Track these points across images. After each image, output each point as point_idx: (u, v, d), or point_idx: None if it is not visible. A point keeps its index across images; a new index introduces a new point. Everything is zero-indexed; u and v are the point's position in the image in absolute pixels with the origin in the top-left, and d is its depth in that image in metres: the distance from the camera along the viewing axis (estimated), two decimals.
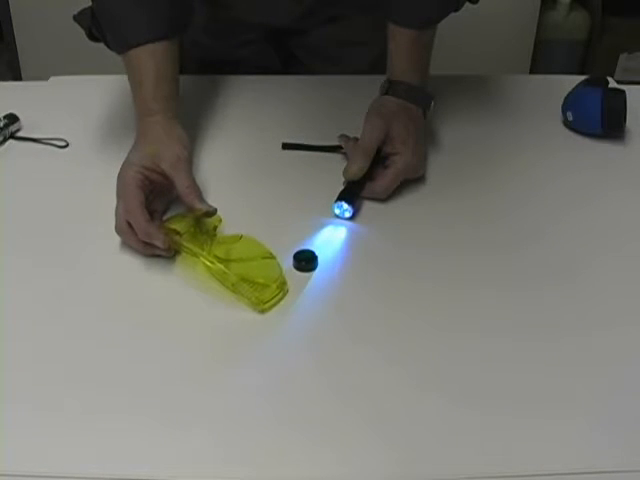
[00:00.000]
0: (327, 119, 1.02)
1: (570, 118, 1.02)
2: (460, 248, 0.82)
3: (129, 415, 0.63)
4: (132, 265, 0.78)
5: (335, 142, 0.95)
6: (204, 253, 0.76)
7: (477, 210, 0.88)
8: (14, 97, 1.08)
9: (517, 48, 2.24)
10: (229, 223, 0.81)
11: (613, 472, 0.59)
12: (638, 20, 2.28)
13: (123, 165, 0.82)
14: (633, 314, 0.74)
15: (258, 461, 0.60)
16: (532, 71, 2.25)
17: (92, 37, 0.92)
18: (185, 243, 0.78)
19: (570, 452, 0.60)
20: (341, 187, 0.87)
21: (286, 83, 1.13)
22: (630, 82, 1.18)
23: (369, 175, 0.87)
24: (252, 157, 0.96)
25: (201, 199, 0.80)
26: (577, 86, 1.02)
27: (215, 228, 0.80)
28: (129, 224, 0.77)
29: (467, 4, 0.96)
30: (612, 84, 1.05)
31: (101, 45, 0.92)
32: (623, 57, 2.35)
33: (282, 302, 0.74)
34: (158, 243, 0.76)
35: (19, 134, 1.00)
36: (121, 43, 0.89)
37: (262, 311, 0.73)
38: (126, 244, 0.79)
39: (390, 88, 0.93)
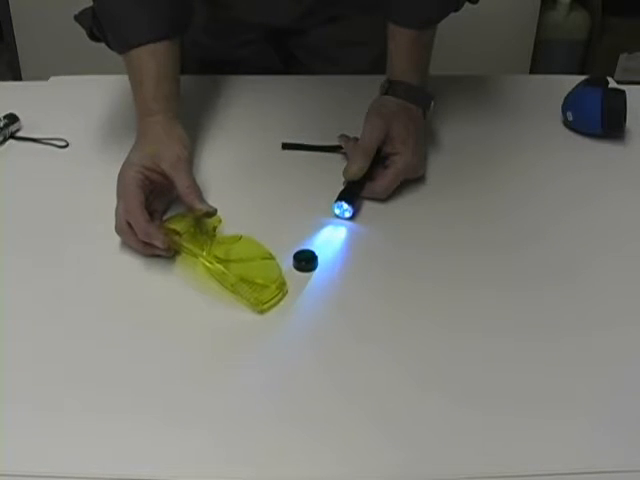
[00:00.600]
0: (327, 119, 1.02)
1: (570, 118, 1.02)
2: (460, 248, 0.82)
3: (129, 415, 0.63)
4: (132, 265, 0.78)
5: (335, 142, 0.95)
6: (204, 253, 0.76)
7: (477, 210, 0.88)
8: (14, 97, 1.07)
9: (517, 48, 2.24)
10: (229, 223, 0.81)
11: (613, 472, 0.59)
12: (638, 20, 2.28)
13: (123, 165, 0.82)
14: (633, 314, 0.74)
15: (259, 461, 0.60)
16: (532, 71, 2.25)
17: (93, 37, 0.92)
18: (185, 243, 0.78)
19: (570, 452, 0.60)
20: (341, 187, 0.87)
21: (286, 83, 1.13)
22: (630, 82, 1.18)
23: (369, 175, 0.87)
24: (252, 157, 0.96)
25: (201, 199, 0.80)
26: (577, 86, 1.02)
27: (215, 228, 0.80)
28: (129, 224, 0.77)
29: (467, 4, 0.96)
30: (612, 84, 1.05)
31: (101, 45, 0.92)
32: (623, 57, 2.35)
33: (282, 302, 0.74)
34: (158, 243, 0.76)
35: (19, 134, 1.00)
36: (122, 43, 0.89)
37: (261, 312, 0.73)
38: (126, 244, 0.79)
39: (390, 88, 0.93)
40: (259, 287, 0.73)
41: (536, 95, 1.12)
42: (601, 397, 0.65)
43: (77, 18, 0.92)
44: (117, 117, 1.03)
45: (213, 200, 0.82)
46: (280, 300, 0.74)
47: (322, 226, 0.84)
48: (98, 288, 0.76)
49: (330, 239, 0.83)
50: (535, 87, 1.15)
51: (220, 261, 0.75)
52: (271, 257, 0.76)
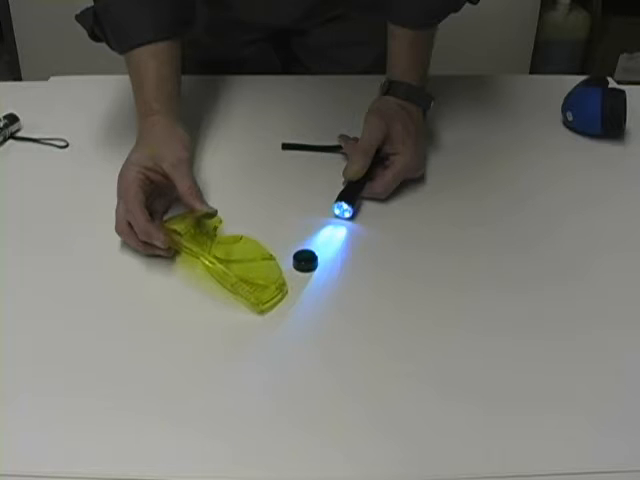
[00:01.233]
0: (327, 119, 1.02)
1: (570, 118, 1.02)
2: (460, 248, 0.82)
3: (129, 415, 0.63)
4: (132, 265, 0.78)
5: (335, 142, 0.95)
6: (204, 253, 0.76)
7: (477, 210, 0.88)
8: (14, 97, 1.07)
9: (517, 48, 2.24)
10: (229, 223, 0.81)
11: (613, 472, 0.59)
12: (638, 20, 2.28)
13: (124, 165, 0.82)
14: (634, 314, 0.74)
15: (260, 461, 0.60)
16: (532, 71, 2.25)
17: (94, 37, 0.92)
18: (185, 243, 0.78)
19: (571, 452, 0.60)
20: (341, 187, 0.87)
21: (286, 83, 1.13)
22: (630, 82, 1.18)
23: (369, 175, 0.87)
24: (252, 157, 0.96)
25: (201, 200, 0.80)
26: (577, 86, 1.02)
27: (215, 229, 0.80)
28: (129, 224, 0.77)
29: (467, 4, 0.96)
30: (612, 84, 1.05)
31: (101, 45, 0.92)
32: (623, 57, 2.35)
33: (282, 302, 0.74)
34: (158, 243, 0.76)
35: (19, 134, 1.00)
36: (123, 43, 0.89)
37: (261, 312, 0.73)
38: (126, 244, 0.79)
39: (390, 88, 0.93)
40: (259, 287, 0.73)
41: (536, 95, 1.12)
42: (602, 397, 0.65)
43: (78, 18, 0.92)
44: (117, 117, 1.03)
45: (213, 200, 0.82)
46: (280, 300, 0.74)
47: (322, 226, 0.84)
48: (98, 288, 0.76)
49: (330, 239, 0.83)
50: (535, 87, 1.15)
51: (220, 261, 0.75)
52: (271, 257, 0.76)
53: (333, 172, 0.89)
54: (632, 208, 0.89)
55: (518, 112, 1.07)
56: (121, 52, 0.90)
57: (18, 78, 2.19)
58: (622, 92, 0.99)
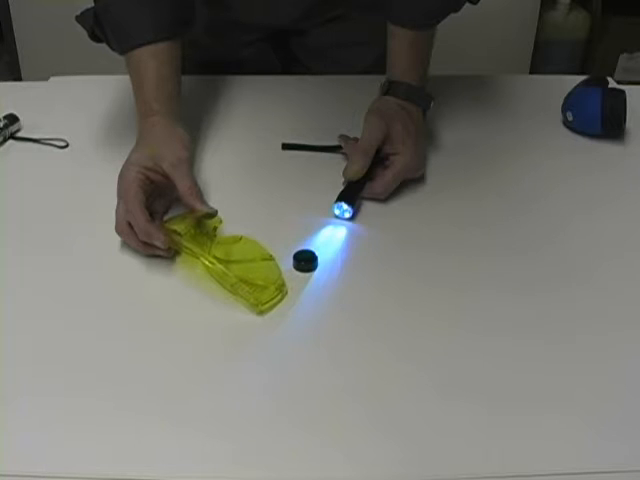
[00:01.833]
0: (327, 119, 1.02)
1: (570, 118, 1.02)
2: (460, 248, 0.82)
3: (129, 415, 0.63)
4: (132, 265, 0.78)
5: (335, 142, 0.95)
6: (204, 254, 0.76)
7: (477, 210, 0.88)
8: (14, 97, 1.07)
9: (517, 48, 2.24)
10: (229, 223, 0.81)
11: (613, 472, 0.59)
12: (638, 20, 2.28)
13: (124, 165, 0.82)
14: (633, 313, 0.74)
15: (260, 461, 0.60)
16: (532, 71, 2.25)
17: (94, 37, 0.92)
18: (185, 243, 0.78)
19: (572, 452, 0.60)
20: (341, 187, 0.87)
21: (286, 83, 1.13)
22: (630, 82, 1.18)
23: (369, 175, 0.87)
24: (252, 157, 0.96)
25: (202, 200, 0.80)
26: (577, 86, 1.02)
27: (215, 229, 0.80)
28: (129, 224, 0.77)
29: (467, 4, 0.96)
30: (612, 84, 1.05)
31: (101, 45, 0.92)
32: (623, 57, 2.35)
33: (282, 302, 0.74)
34: (158, 243, 0.76)
35: (19, 134, 1.00)
36: (123, 44, 0.89)
37: (260, 312, 0.73)
38: (126, 244, 0.79)
39: (390, 88, 0.93)
40: (259, 288, 0.73)
41: (536, 95, 1.12)
42: (602, 398, 0.65)
43: (78, 19, 0.92)
44: (117, 117, 1.03)
45: (214, 200, 0.82)
46: (279, 301, 0.74)
47: (322, 226, 0.84)
48: (98, 288, 0.76)
49: (330, 239, 0.83)
50: (535, 87, 1.15)
51: (220, 261, 0.75)
52: (271, 258, 0.76)
53: (333, 172, 0.89)
54: (632, 208, 0.89)
55: (518, 112, 1.07)
56: (121, 52, 0.90)
57: (18, 78, 2.19)
58: (622, 92, 0.99)
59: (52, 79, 1.14)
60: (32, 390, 0.65)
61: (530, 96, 1.11)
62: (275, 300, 0.73)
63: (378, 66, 0.99)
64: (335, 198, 0.85)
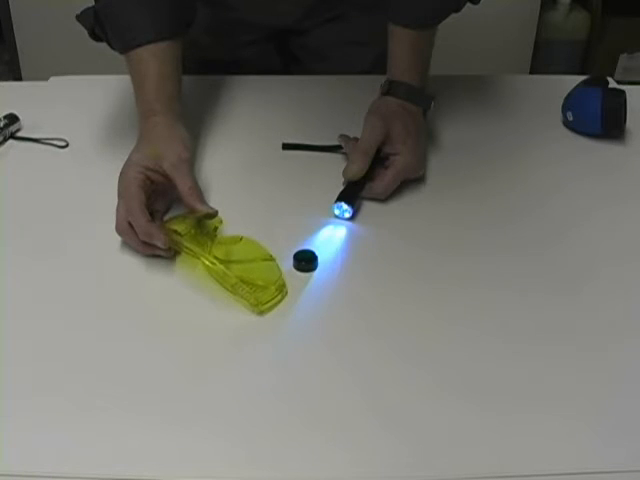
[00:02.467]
0: (327, 119, 1.02)
1: (570, 118, 1.02)
2: (460, 248, 0.82)
3: (129, 415, 0.63)
4: (132, 265, 0.78)
5: (335, 142, 0.95)
6: (204, 254, 0.76)
7: (477, 210, 0.88)
8: (14, 97, 1.08)
9: (517, 48, 2.24)
10: (230, 223, 0.81)
11: (613, 472, 0.59)
12: (638, 20, 2.28)
13: (125, 165, 0.82)
14: (633, 314, 0.74)
15: (260, 461, 0.60)
16: (532, 71, 2.25)
17: (94, 37, 0.92)
18: (186, 244, 0.78)
19: (571, 452, 0.60)
20: (341, 187, 0.87)
21: (287, 83, 1.13)
22: (630, 82, 1.18)
23: (369, 175, 0.87)
24: (252, 157, 0.96)
25: (202, 200, 0.80)
26: (577, 86, 1.02)
27: (216, 229, 0.80)
28: (130, 224, 0.77)
29: (468, 4, 0.96)
30: (612, 84, 1.05)
31: (101, 45, 0.92)
32: (623, 57, 2.36)
33: (282, 302, 0.74)
34: (158, 243, 0.76)
35: (19, 134, 1.00)
36: (124, 43, 0.89)
37: (260, 312, 0.73)
38: (126, 244, 0.79)
39: (390, 88, 0.93)
40: (259, 288, 0.73)
41: (536, 95, 1.12)
42: (602, 398, 0.65)
43: (78, 18, 0.92)
44: (117, 117, 1.03)
45: (214, 200, 0.82)
46: (280, 301, 0.74)
47: (322, 226, 0.84)
48: (98, 288, 0.76)
49: (330, 239, 0.83)
50: (535, 87, 1.15)
51: (220, 262, 0.75)
52: (271, 258, 0.76)
53: (333, 172, 0.89)
54: (632, 208, 0.89)
55: (518, 112, 1.07)
56: (122, 52, 0.90)
57: (18, 78, 2.19)
58: (622, 92, 0.99)
59: (52, 79, 1.14)
60: (32, 390, 0.65)
61: (530, 96, 1.11)
62: (275, 300, 0.73)
63: (378, 66, 0.99)
64: (335, 198, 0.85)
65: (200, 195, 0.81)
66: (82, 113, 1.04)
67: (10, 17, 2.13)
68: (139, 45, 0.88)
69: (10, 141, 0.98)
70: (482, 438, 0.61)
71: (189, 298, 0.75)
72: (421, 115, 0.94)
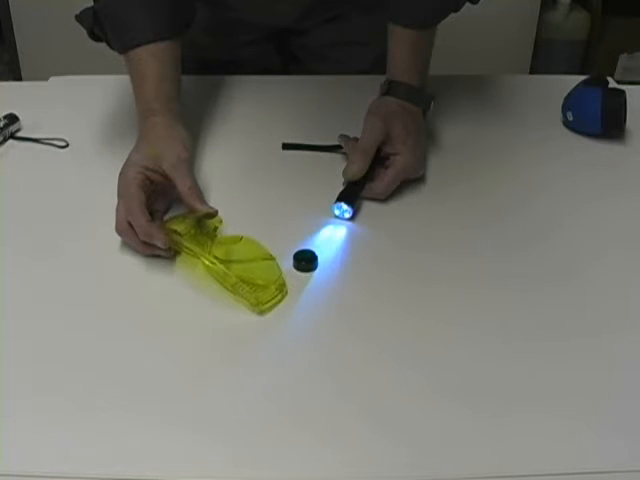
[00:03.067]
0: (327, 119, 1.02)
1: (570, 118, 1.02)
2: (460, 248, 0.82)
3: (129, 415, 0.63)
4: (132, 265, 0.78)
5: (335, 142, 0.95)
6: (204, 254, 0.76)
7: (477, 210, 0.88)
8: (14, 97, 1.08)
9: (517, 48, 2.24)
10: (229, 223, 0.81)
11: (613, 472, 0.59)
12: (638, 20, 2.28)
13: (124, 165, 0.82)
14: (634, 314, 0.74)
15: (260, 462, 0.60)
16: (532, 71, 2.25)
17: (94, 37, 0.92)
18: (186, 244, 0.78)
19: (571, 452, 0.60)
20: (341, 187, 0.87)
21: (286, 83, 1.13)
22: (630, 82, 1.18)
23: (369, 175, 0.87)
24: (252, 157, 0.96)
25: (202, 200, 0.80)
26: (577, 86, 1.02)
27: (216, 229, 0.80)
28: (129, 224, 0.77)
29: (467, 4, 0.96)
30: (612, 84, 1.05)
31: (101, 45, 0.92)
32: (623, 57, 2.36)
33: (282, 302, 0.74)
34: (158, 243, 0.76)
35: (19, 134, 1.00)
36: (123, 43, 0.89)
37: (261, 312, 0.73)
38: (126, 244, 0.79)
39: (390, 88, 0.93)
40: (259, 288, 0.73)
41: (536, 95, 1.12)
42: (602, 398, 0.65)
43: (78, 18, 0.92)
44: (117, 117, 1.03)
45: (214, 200, 0.82)
46: (280, 301, 0.74)
47: (322, 226, 0.84)
48: (98, 288, 0.76)
49: (330, 239, 0.83)
50: (535, 87, 1.15)
51: (221, 261, 0.75)
52: (271, 258, 0.76)
53: (333, 172, 0.89)
54: (632, 208, 0.89)
55: (518, 112, 1.07)
56: (121, 52, 0.90)
57: (18, 78, 2.19)
58: (622, 92, 0.99)
59: (52, 79, 1.14)
60: (32, 390, 0.65)
61: (530, 96, 1.11)
62: (275, 300, 0.73)
63: (378, 66, 0.99)
64: (335, 198, 0.85)
65: (200, 195, 0.81)
66: (82, 113, 1.04)
67: (10, 17, 2.13)
68: (138, 45, 0.88)
69: (10, 141, 0.98)
70: (480, 438, 0.61)
71: (189, 298, 0.75)
72: (421, 115, 0.94)
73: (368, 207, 0.87)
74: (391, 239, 0.83)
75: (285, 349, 0.70)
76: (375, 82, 0.96)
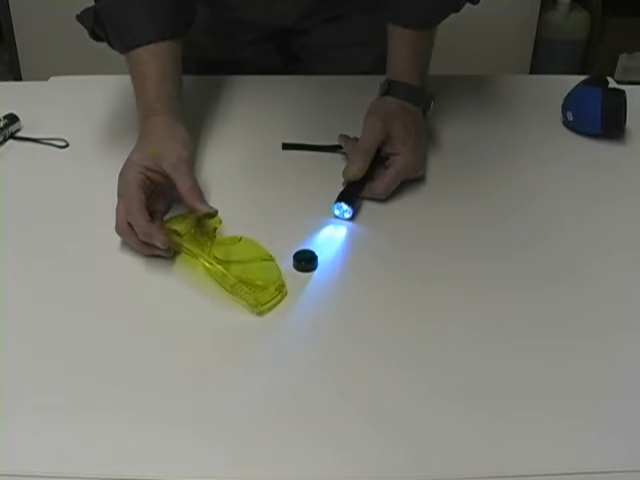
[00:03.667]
0: (327, 119, 1.02)
1: (570, 118, 1.02)
2: (460, 248, 0.82)
3: (129, 415, 0.63)
4: (132, 265, 0.78)
5: (335, 142, 0.95)
6: (204, 254, 0.76)
7: (477, 210, 0.88)
8: (14, 97, 1.07)
9: (517, 48, 2.24)
10: (229, 223, 0.81)
11: (613, 472, 0.59)
12: (638, 20, 2.28)
13: (124, 165, 0.82)
14: (634, 314, 0.74)
15: (260, 462, 0.60)
16: (532, 71, 2.25)
17: (95, 36, 0.92)
18: (185, 244, 0.78)
19: (571, 452, 0.60)
20: (341, 187, 0.87)
21: (287, 83, 1.13)
22: (630, 82, 1.18)
23: (369, 175, 0.87)
24: (252, 157, 0.96)
25: (202, 200, 0.80)
26: (577, 86, 1.03)
27: (215, 229, 0.80)
28: (129, 224, 0.77)
29: (467, 4, 0.96)
30: (612, 84, 1.05)
31: (101, 45, 0.92)
32: (623, 57, 2.36)
33: (282, 302, 0.74)
34: (158, 244, 0.76)
35: (19, 134, 1.00)
36: (124, 43, 0.89)
37: (260, 313, 0.73)
38: (126, 244, 0.79)
39: (390, 88, 0.93)
40: (258, 288, 0.73)
41: (536, 95, 1.12)
42: (602, 398, 0.65)
43: (79, 18, 0.93)
44: (117, 117, 1.03)
45: (214, 200, 0.82)
46: (279, 302, 0.74)
47: (322, 226, 0.84)
48: (98, 288, 0.76)
49: (330, 239, 0.83)
50: (535, 87, 1.15)
51: (220, 262, 0.75)
52: (271, 259, 0.76)
53: (333, 172, 0.89)
54: (632, 208, 0.89)
55: (518, 112, 1.07)
56: (122, 52, 0.90)
57: (18, 78, 2.19)
58: (622, 92, 0.99)
59: (52, 79, 1.14)
60: (32, 390, 0.65)
61: (530, 96, 1.11)
62: (274, 301, 0.73)
63: (378, 66, 0.99)
64: (335, 198, 0.85)
65: (200, 195, 0.81)
66: (82, 113, 1.04)
67: (10, 17, 2.13)
68: (139, 45, 0.88)
69: (10, 141, 0.98)
70: (480, 438, 0.61)
71: (189, 298, 0.75)
72: (421, 115, 0.94)
73: (368, 207, 0.87)
74: (391, 239, 0.83)
75: (285, 349, 0.70)
76: (375, 82, 0.96)
